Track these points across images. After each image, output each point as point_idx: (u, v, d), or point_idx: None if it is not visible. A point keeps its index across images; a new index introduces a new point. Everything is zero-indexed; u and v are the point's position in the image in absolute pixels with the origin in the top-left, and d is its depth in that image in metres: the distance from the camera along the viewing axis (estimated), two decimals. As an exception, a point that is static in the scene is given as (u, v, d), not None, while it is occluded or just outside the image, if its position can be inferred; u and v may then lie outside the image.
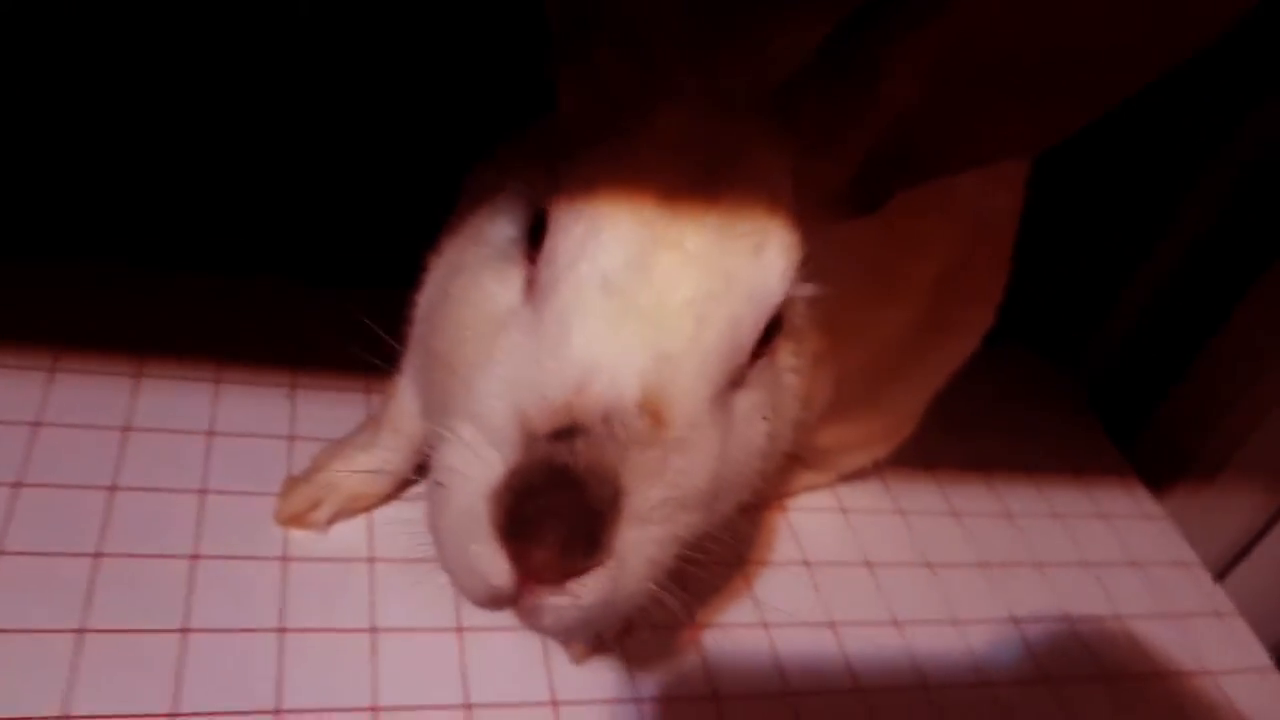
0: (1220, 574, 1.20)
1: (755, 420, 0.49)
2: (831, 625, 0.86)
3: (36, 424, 0.78)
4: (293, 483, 0.79)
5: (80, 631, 0.67)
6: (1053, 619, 0.95)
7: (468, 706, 0.71)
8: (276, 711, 0.66)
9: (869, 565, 0.93)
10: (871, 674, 0.83)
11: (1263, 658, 1.01)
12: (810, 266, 0.49)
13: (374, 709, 0.69)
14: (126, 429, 0.80)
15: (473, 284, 0.50)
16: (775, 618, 0.85)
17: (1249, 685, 0.97)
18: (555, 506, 0.40)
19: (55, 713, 0.62)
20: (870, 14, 0.47)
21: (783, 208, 0.47)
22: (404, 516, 0.81)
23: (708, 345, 0.44)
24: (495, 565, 0.41)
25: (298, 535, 0.78)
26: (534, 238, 0.48)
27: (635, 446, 0.42)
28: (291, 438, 0.85)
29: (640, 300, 0.43)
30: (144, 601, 0.69)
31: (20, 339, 0.83)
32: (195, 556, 0.73)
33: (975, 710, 0.84)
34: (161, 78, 0.85)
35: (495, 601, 0.43)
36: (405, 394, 0.75)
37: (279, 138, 0.91)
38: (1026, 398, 1.23)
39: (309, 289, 0.97)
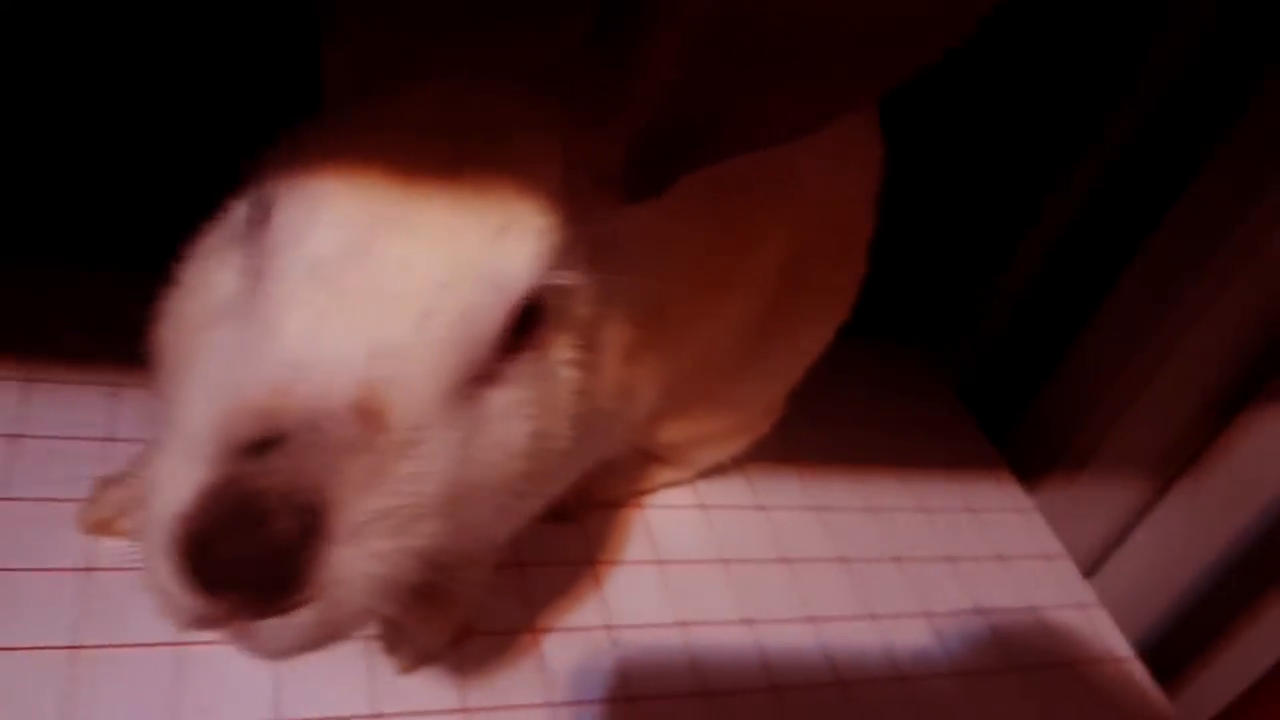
0: (1092, 566, 1.20)
1: (514, 419, 0.45)
2: (680, 625, 0.84)
3: None
4: (103, 486, 0.74)
5: None
6: (911, 614, 0.93)
7: (277, 723, 0.67)
8: (61, 735, 0.62)
9: (724, 563, 0.91)
10: (719, 674, 0.81)
11: (1125, 649, 1.01)
12: (580, 253, 0.46)
13: (172, 729, 0.64)
14: (-79, 432, 0.75)
15: (199, 271, 0.46)
16: (620, 619, 0.82)
17: (1110, 676, 0.97)
18: (237, 551, 0.35)
19: None
20: None
21: (537, 189, 0.43)
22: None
23: (435, 338, 0.40)
24: (184, 597, 0.37)
25: (105, 544, 0.73)
26: (262, 222, 0.44)
27: (348, 454, 0.37)
28: (109, 440, 0.80)
29: (357, 289, 0.39)
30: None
31: None
32: (-20, 569, 0.68)
33: (830, 710, 0.82)
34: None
35: (199, 625, 0.39)
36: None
37: (90, 116, 0.86)
38: (897, 391, 1.22)
39: (134, 278, 0.91)
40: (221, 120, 0.84)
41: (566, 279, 0.45)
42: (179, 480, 0.37)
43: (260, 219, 0.43)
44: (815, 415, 1.11)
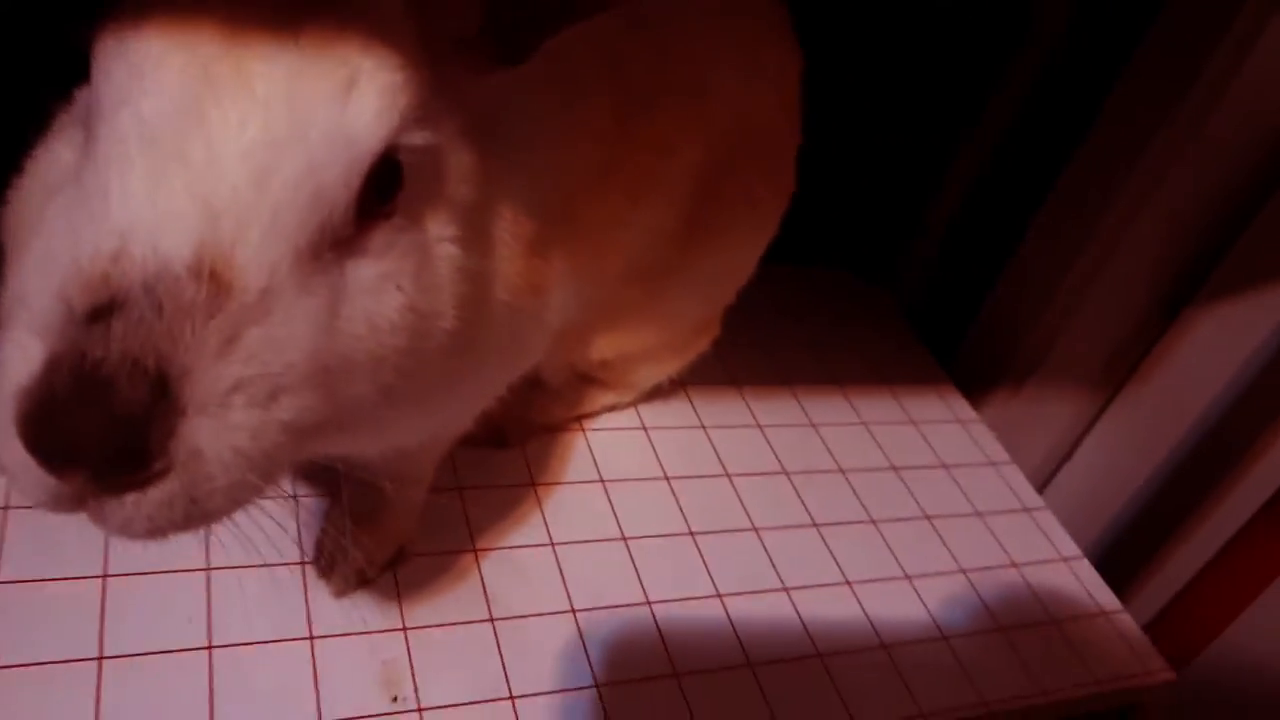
0: (1042, 476, 1.22)
1: (383, 291, 0.43)
2: (623, 540, 0.83)
3: None
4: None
5: None
6: (859, 522, 0.94)
7: (209, 649, 0.66)
8: None
9: (667, 479, 0.91)
10: (656, 585, 0.81)
11: (1072, 548, 1.02)
12: (446, 120, 0.45)
13: (99, 659, 0.63)
14: None
15: (43, 150, 0.44)
16: (563, 537, 0.82)
17: (1059, 574, 0.98)
18: (79, 424, 0.34)
19: None
20: None
21: (386, 44, 0.41)
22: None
23: (276, 197, 0.38)
24: (32, 476, 0.36)
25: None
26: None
27: (192, 318, 0.36)
28: None
29: (190, 151, 0.37)
30: None
31: None
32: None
33: (777, 616, 0.83)
34: None
35: (57, 505, 0.37)
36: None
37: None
38: (840, 316, 1.22)
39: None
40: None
41: (424, 139, 0.43)
42: (21, 354, 0.36)
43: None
44: (758, 341, 1.11)
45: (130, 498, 0.36)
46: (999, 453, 1.11)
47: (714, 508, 0.89)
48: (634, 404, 0.97)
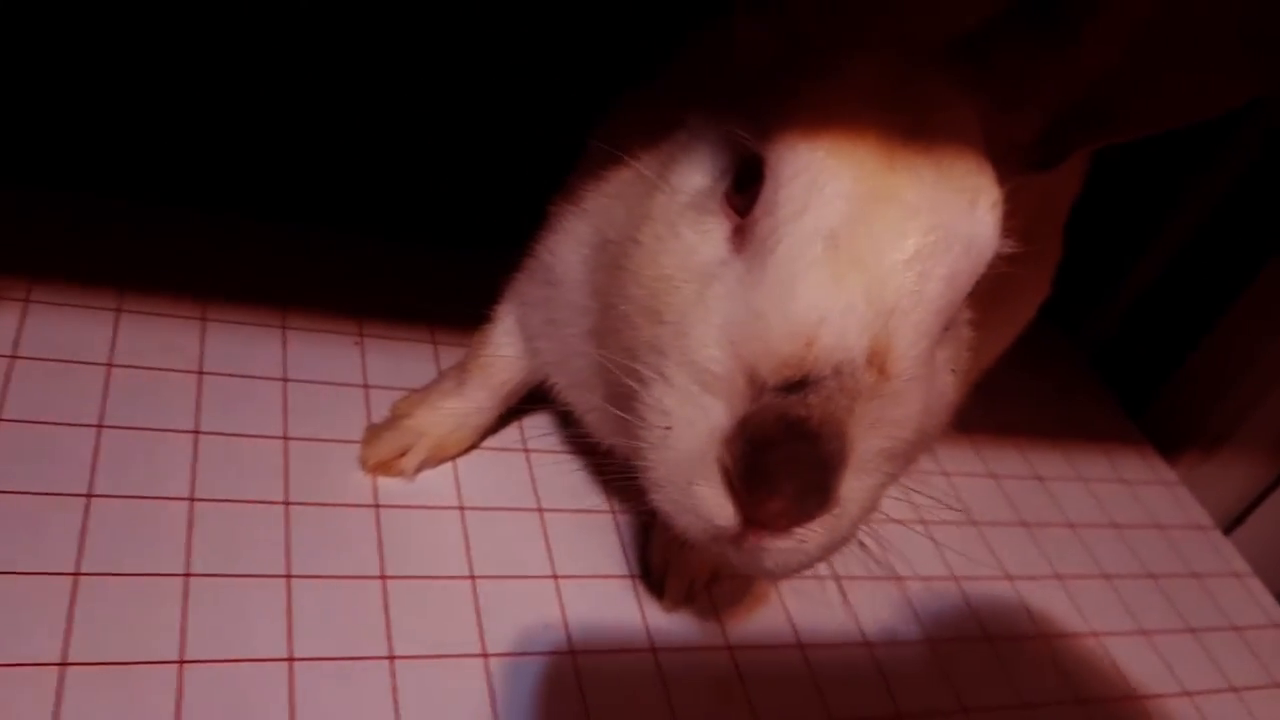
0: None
1: (947, 373, 0.50)
2: (897, 580, 0.88)
3: (109, 365, 0.76)
4: (376, 430, 0.78)
5: (187, 576, 0.65)
6: (1092, 576, 0.98)
7: (571, 653, 0.71)
8: (390, 658, 0.66)
9: (923, 524, 0.95)
10: (935, 624, 0.86)
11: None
12: (1008, 223, 0.50)
13: (484, 655, 0.68)
14: (200, 373, 0.78)
15: (669, 233, 0.50)
16: (841, 571, 0.86)
17: (1270, 640, 1.02)
18: (792, 459, 0.40)
19: (172, 657, 0.61)
20: None
21: (989, 164, 0.47)
22: (488, 465, 0.81)
23: (928, 300, 0.44)
24: (722, 509, 0.42)
25: (385, 483, 0.77)
26: (739, 186, 0.48)
27: (861, 398, 0.42)
28: (365, 386, 0.83)
29: (864, 254, 0.43)
30: (242, 546, 0.68)
31: (87, 280, 0.80)
32: (288, 503, 0.72)
33: (1030, 657, 0.87)
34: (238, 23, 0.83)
35: (716, 541, 0.44)
36: (502, 341, 0.75)
37: (355, 86, 0.89)
38: (1040, 369, 1.26)
39: (372, 240, 0.95)
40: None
41: (1011, 247, 0.49)
42: (708, 409, 0.43)
43: (739, 186, 0.48)
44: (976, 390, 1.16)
45: (795, 539, 0.42)
46: (1203, 516, 1.15)
47: (969, 553, 0.94)
48: (881, 445, 1.02)
